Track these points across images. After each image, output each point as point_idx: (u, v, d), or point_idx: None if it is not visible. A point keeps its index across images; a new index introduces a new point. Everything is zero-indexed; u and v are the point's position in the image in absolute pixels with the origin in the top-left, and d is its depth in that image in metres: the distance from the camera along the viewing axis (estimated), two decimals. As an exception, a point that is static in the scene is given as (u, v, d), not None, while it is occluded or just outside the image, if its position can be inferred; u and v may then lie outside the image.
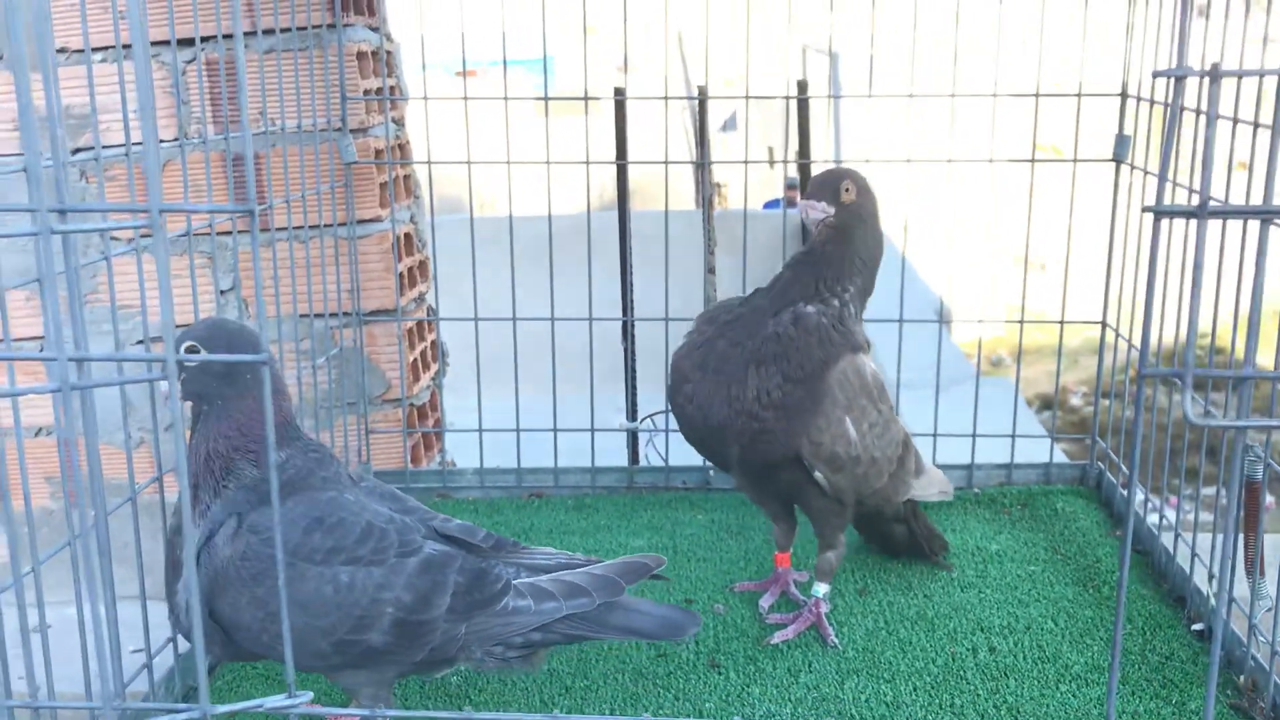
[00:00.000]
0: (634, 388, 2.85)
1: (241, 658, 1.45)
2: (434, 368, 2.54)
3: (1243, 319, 1.59)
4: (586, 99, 2.29)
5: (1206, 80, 1.51)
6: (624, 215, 3.07)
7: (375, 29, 2.31)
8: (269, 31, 2.02)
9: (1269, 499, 1.64)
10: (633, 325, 2.88)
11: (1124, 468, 2.17)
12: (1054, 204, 2.24)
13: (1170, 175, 1.83)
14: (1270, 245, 0.79)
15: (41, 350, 2.11)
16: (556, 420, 2.34)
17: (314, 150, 2.11)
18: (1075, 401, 8.02)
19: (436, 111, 2.26)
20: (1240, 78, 1.55)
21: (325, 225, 2.17)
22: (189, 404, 1.42)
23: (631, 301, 2.97)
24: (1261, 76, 0.92)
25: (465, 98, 2.22)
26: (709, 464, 2.24)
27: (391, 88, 2.34)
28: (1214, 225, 1.63)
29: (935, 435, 2.27)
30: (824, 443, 1.68)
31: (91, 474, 0.85)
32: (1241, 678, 1.61)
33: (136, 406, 2.11)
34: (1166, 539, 1.92)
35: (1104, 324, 2.27)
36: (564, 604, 1.43)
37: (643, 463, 2.73)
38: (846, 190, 1.69)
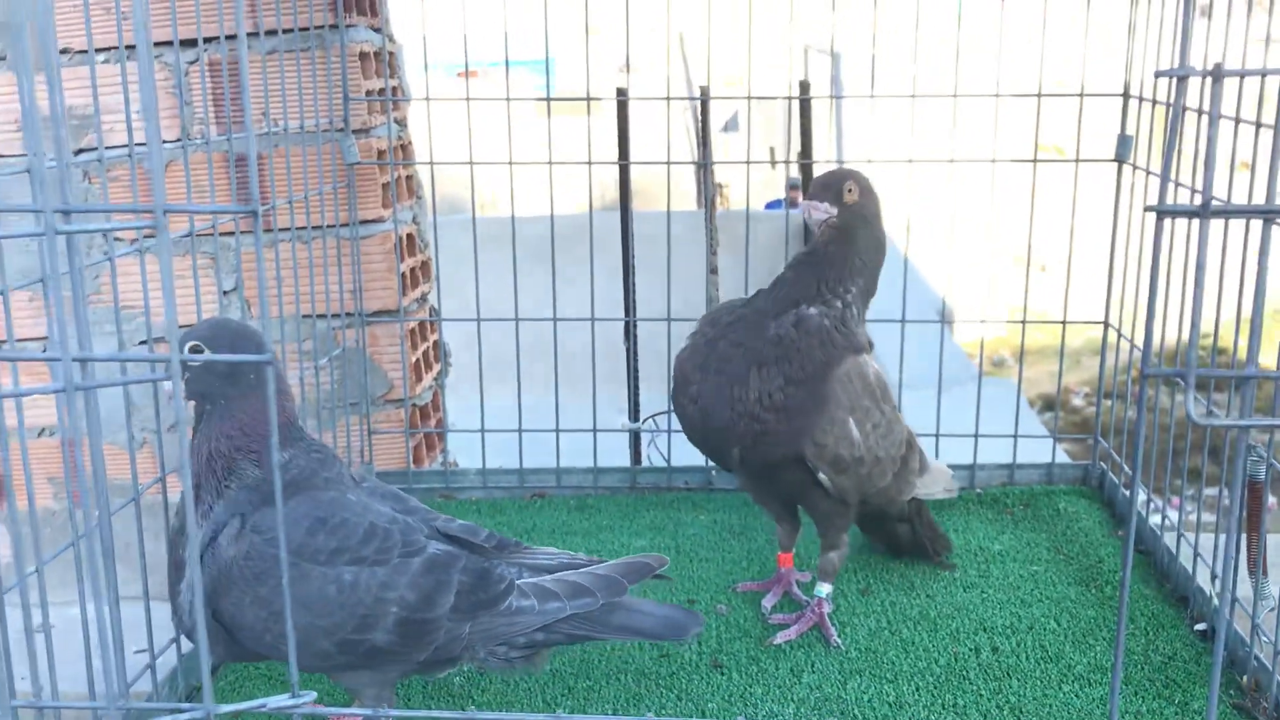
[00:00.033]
0: (636, 388, 2.85)
1: (244, 658, 1.45)
2: (436, 368, 2.54)
3: (1245, 319, 1.59)
4: (589, 99, 2.29)
5: (1209, 80, 1.51)
6: (626, 216, 3.07)
7: (377, 30, 2.31)
8: (271, 32, 2.03)
9: (1271, 499, 1.64)
10: (635, 325, 2.88)
11: (1126, 468, 2.17)
12: (1056, 204, 2.23)
13: (1172, 175, 1.83)
14: (1273, 245, 0.79)
15: (45, 351, 2.11)
16: (559, 421, 2.34)
17: (316, 151, 2.12)
18: (1077, 402, 8.01)
19: (439, 112, 2.26)
20: (1242, 78, 1.55)
21: (328, 226, 2.17)
22: (192, 404, 1.42)
23: (634, 302, 2.97)
24: (1264, 76, 0.93)
25: (468, 98, 2.23)
26: (711, 464, 2.24)
27: (394, 88, 2.34)
28: (1216, 225, 1.63)
29: (937, 435, 2.27)
30: (827, 444, 1.68)
31: (95, 474, 0.85)
32: (1244, 678, 1.61)
33: (140, 407, 2.12)
34: (1169, 539, 1.92)
35: (1106, 324, 2.27)
36: (567, 604, 1.43)
37: (645, 463, 2.73)
38: (849, 191, 1.69)
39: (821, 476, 1.70)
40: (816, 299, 1.70)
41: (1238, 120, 1.63)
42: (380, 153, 2.26)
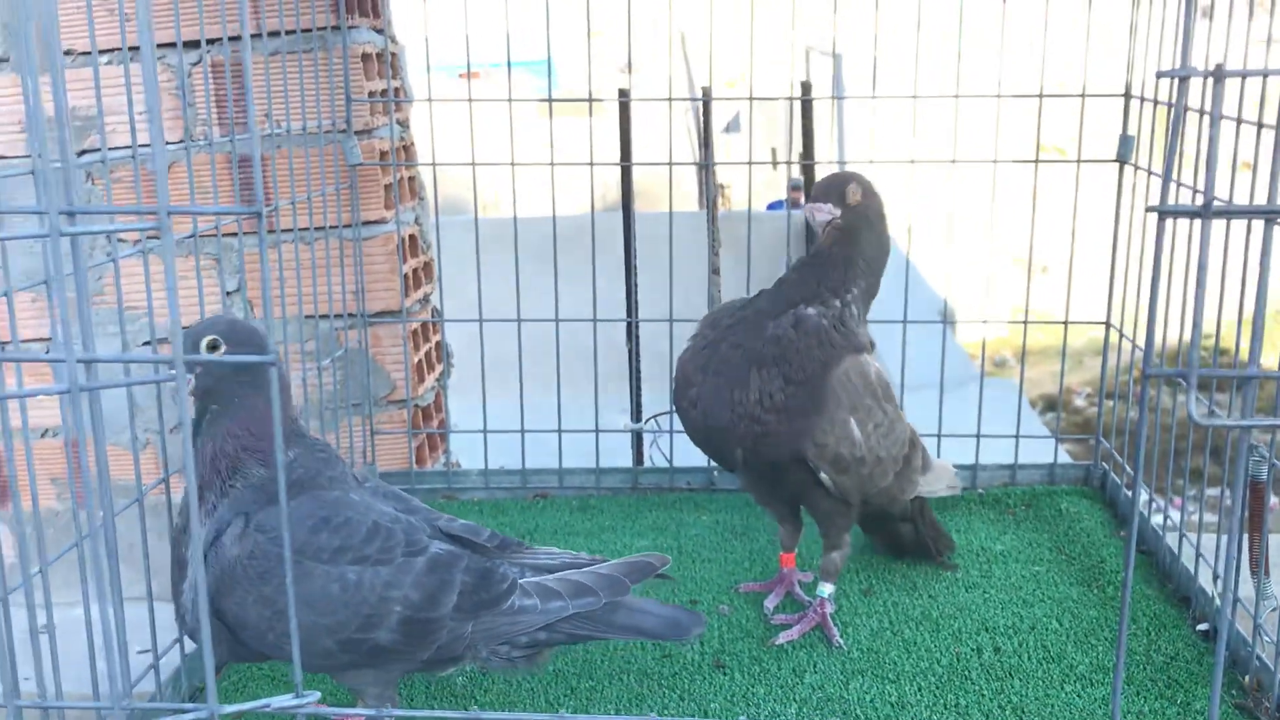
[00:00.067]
0: (638, 389, 2.85)
1: (246, 658, 1.46)
2: (439, 369, 2.54)
3: (1247, 319, 1.59)
4: (590, 100, 2.29)
5: (1210, 81, 1.51)
6: (628, 216, 3.07)
7: (380, 31, 2.32)
8: (274, 34, 2.03)
9: (1273, 499, 1.64)
10: (637, 326, 2.88)
11: (1128, 468, 2.17)
12: (1058, 205, 2.24)
13: (1174, 176, 1.83)
14: (1274, 245, 0.80)
15: (47, 351, 2.12)
16: (561, 421, 2.34)
17: (319, 152, 2.12)
18: (1079, 402, 8.01)
19: (441, 113, 2.26)
20: (1244, 78, 1.55)
21: (330, 227, 2.17)
22: (193, 402, 1.42)
23: (636, 303, 2.97)
24: (1265, 77, 0.93)
25: (470, 99, 2.23)
26: (714, 465, 2.24)
27: (396, 89, 2.34)
28: (1218, 225, 1.63)
29: (939, 436, 2.27)
30: (828, 444, 1.69)
31: (100, 475, 0.85)
32: (1246, 678, 1.61)
33: (143, 408, 2.12)
34: (1171, 539, 1.92)
35: (1108, 324, 2.27)
36: (570, 603, 1.43)
37: (647, 464, 2.73)
38: (853, 193, 1.69)
39: (823, 476, 1.71)
40: (815, 299, 1.70)
41: (1239, 121, 1.63)
42: (382, 154, 2.27)
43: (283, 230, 2.07)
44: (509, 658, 1.45)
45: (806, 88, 3.58)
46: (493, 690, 1.66)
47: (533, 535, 2.15)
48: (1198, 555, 1.80)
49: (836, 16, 2.26)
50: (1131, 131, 2.17)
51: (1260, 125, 1.57)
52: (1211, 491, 1.81)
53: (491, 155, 2.25)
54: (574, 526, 2.20)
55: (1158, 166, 2.07)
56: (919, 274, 4.50)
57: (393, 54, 2.34)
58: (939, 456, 2.22)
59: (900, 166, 2.15)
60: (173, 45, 1.96)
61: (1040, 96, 2.16)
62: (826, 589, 1.80)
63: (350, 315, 2.25)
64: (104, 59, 2.03)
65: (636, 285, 2.96)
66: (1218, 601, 1.73)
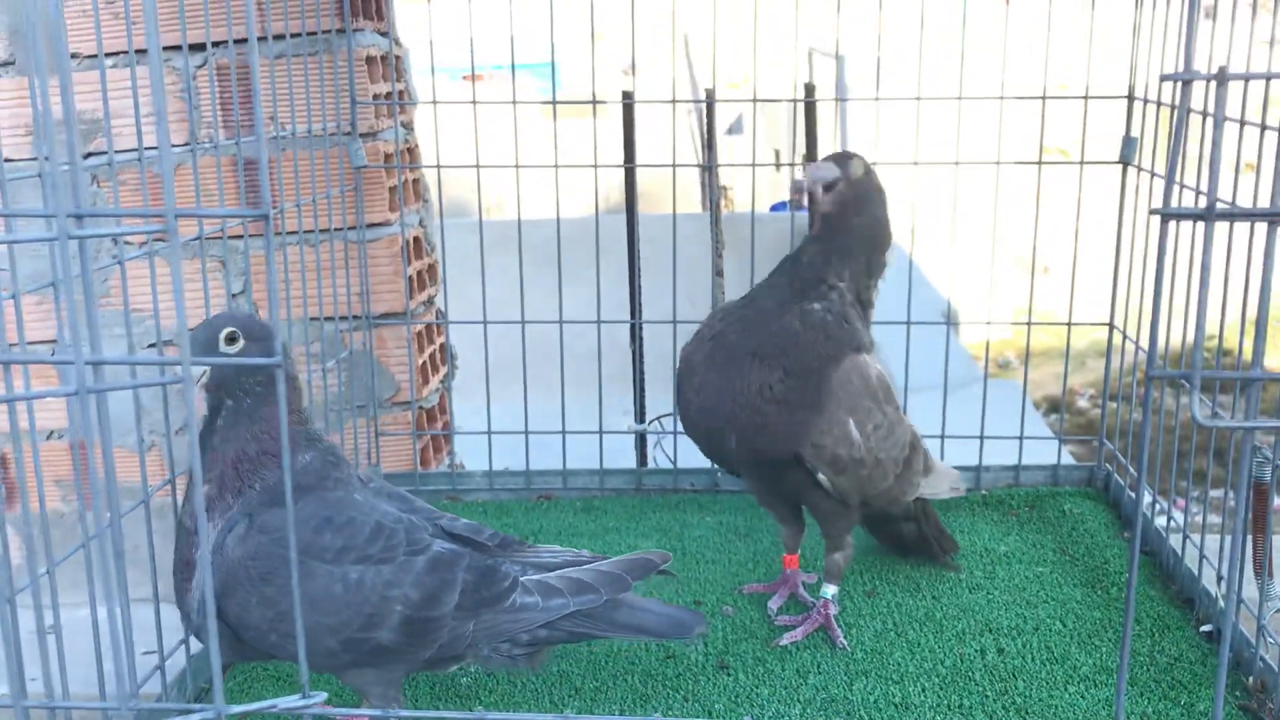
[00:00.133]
0: (642, 390, 2.86)
1: (249, 656, 1.46)
2: (443, 370, 2.55)
3: (1250, 321, 1.59)
4: (594, 102, 2.30)
5: (1213, 82, 1.51)
6: (632, 218, 3.07)
7: (384, 34, 2.32)
8: (279, 37, 2.03)
9: (1277, 500, 1.64)
10: (641, 328, 2.88)
11: (1132, 469, 2.17)
12: (1061, 206, 2.24)
13: (1177, 178, 1.83)
14: (1277, 247, 0.80)
15: (53, 353, 2.12)
16: (565, 423, 2.35)
17: (323, 154, 2.12)
18: (1082, 404, 8.01)
19: (445, 116, 2.27)
20: (1247, 80, 1.55)
21: (335, 229, 2.18)
22: (203, 399, 1.42)
23: (640, 304, 2.97)
24: (1269, 80, 0.93)
25: (474, 101, 2.23)
26: (717, 467, 2.24)
27: (400, 92, 2.35)
28: (1221, 227, 1.63)
29: (943, 437, 2.28)
30: (826, 445, 1.68)
31: (106, 477, 0.85)
32: (1250, 679, 1.61)
33: (148, 410, 2.13)
34: (1174, 541, 1.92)
35: (1111, 326, 2.27)
36: (571, 600, 1.44)
37: (651, 465, 2.74)
38: (857, 166, 1.69)
39: (821, 477, 1.70)
40: (817, 292, 1.69)
41: (1242, 122, 1.64)
42: (387, 156, 2.27)
43: (287, 233, 2.08)
44: (510, 655, 1.46)
45: (810, 89, 3.58)
46: (497, 690, 1.66)
47: (537, 536, 2.16)
48: (1201, 557, 1.80)
49: (839, 18, 2.26)
50: (1134, 133, 2.17)
51: (1264, 127, 1.58)
52: (1215, 493, 1.82)
53: (495, 157, 2.25)
54: (578, 528, 2.20)
55: (1161, 168, 2.08)
56: (922, 275, 4.50)
57: (397, 57, 2.34)
58: (942, 458, 2.22)
59: (903, 168, 2.15)
60: (178, 48, 1.97)
61: (1043, 98, 2.16)
62: (830, 590, 1.81)
63: (355, 317, 2.26)
64: (110, 62, 2.04)
65: (640, 287, 2.96)
66: (1221, 603, 1.74)
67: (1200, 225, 0.78)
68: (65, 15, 1.95)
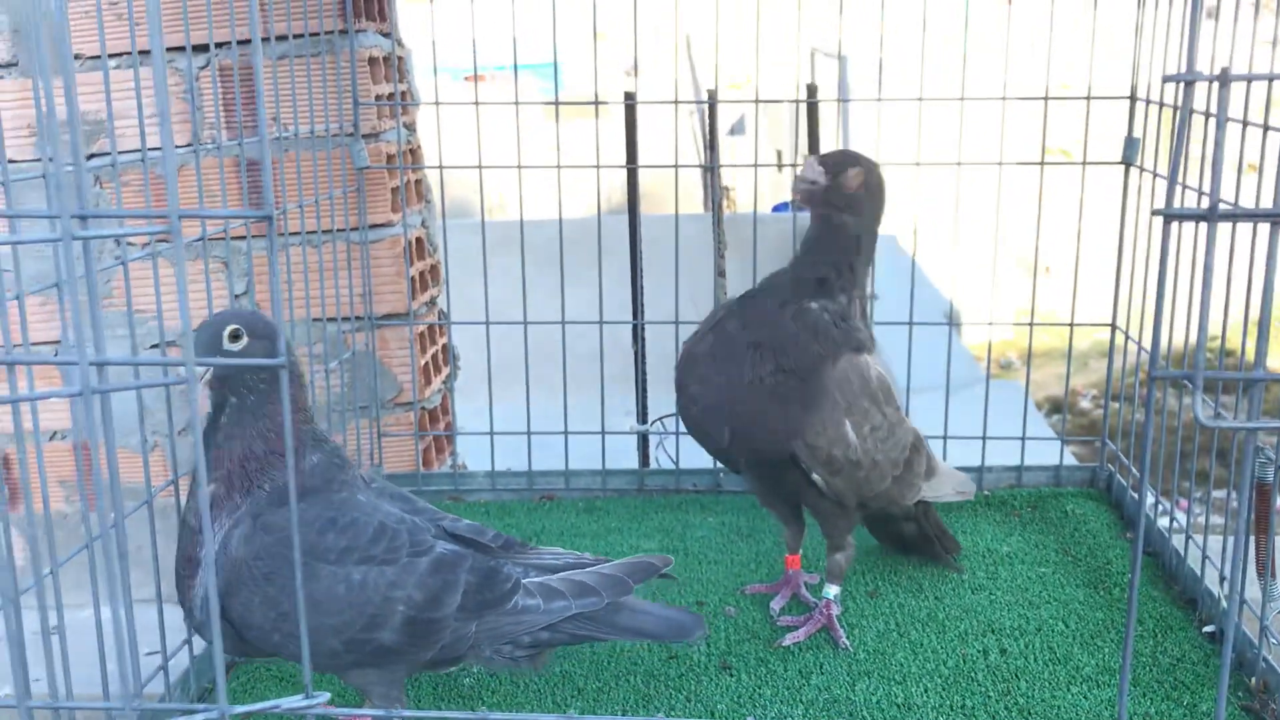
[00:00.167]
0: (644, 391, 2.86)
1: (251, 654, 1.46)
2: (445, 371, 2.55)
3: (1253, 321, 1.59)
4: (596, 103, 2.30)
5: (1216, 83, 1.51)
6: (634, 219, 3.08)
7: (386, 35, 2.32)
8: (282, 38, 2.04)
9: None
10: (643, 328, 2.88)
11: (1134, 470, 2.17)
12: (1063, 207, 2.24)
13: (1180, 178, 1.83)
14: (1280, 248, 0.80)
15: (57, 354, 2.13)
16: (567, 423, 2.35)
17: (326, 155, 2.13)
18: (1085, 404, 8.01)
19: (447, 116, 2.27)
20: (1250, 81, 1.55)
21: (337, 230, 2.18)
22: (207, 400, 1.42)
23: (642, 305, 2.97)
24: (1271, 80, 0.93)
25: (476, 102, 2.24)
26: (719, 466, 2.25)
27: (403, 93, 2.35)
28: (1224, 227, 1.63)
29: (945, 438, 2.28)
30: (820, 445, 1.68)
31: (110, 477, 0.86)
32: (1253, 679, 1.61)
33: (152, 410, 2.13)
34: (1177, 541, 1.92)
35: (1113, 327, 2.27)
36: (573, 603, 1.44)
37: (653, 465, 2.74)
38: (854, 177, 1.67)
39: (815, 477, 1.70)
40: (818, 285, 1.69)
41: (1245, 123, 1.63)
42: (389, 157, 2.27)
43: (290, 233, 2.08)
44: (512, 657, 1.46)
45: (812, 90, 3.58)
46: (500, 691, 1.67)
47: (539, 537, 2.16)
48: (1204, 557, 1.80)
49: (842, 19, 2.26)
50: (1137, 134, 2.17)
51: (1266, 128, 1.58)
52: (1218, 493, 1.82)
53: (498, 158, 2.26)
54: (580, 528, 2.20)
55: (1163, 169, 2.08)
56: (924, 276, 4.50)
57: (399, 57, 2.35)
58: (945, 458, 2.22)
59: (905, 169, 2.15)
60: (181, 49, 1.97)
61: (1045, 99, 2.16)
62: (832, 590, 1.81)
63: (357, 318, 2.26)
64: (113, 63, 2.04)
65: (642, 287, 2.96)
66: (1224, 603, 1.73)
67: (1203, 226, 0.79)
68: (68, 16, 1.95)
